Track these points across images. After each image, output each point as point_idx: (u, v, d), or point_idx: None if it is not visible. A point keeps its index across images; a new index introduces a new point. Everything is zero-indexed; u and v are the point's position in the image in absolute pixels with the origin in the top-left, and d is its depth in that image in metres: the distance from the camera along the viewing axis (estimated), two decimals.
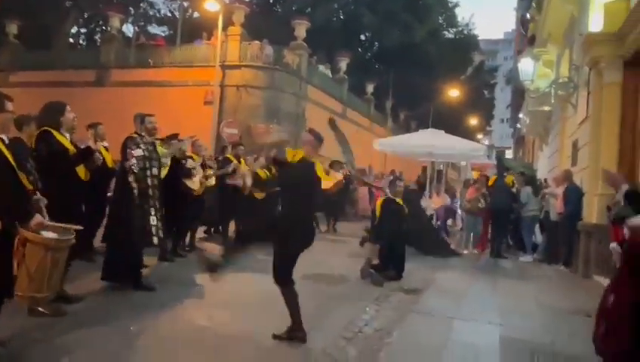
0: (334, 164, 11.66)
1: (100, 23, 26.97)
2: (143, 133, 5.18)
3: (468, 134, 33.67)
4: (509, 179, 10.11)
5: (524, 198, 9.67)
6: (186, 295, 5.15)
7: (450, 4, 30.96)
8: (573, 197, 8.36)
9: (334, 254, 8.33)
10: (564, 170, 9.62)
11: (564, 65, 12.08)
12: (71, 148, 4.33)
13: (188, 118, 14.45)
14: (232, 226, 8.56)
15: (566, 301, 6.10)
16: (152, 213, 5.04)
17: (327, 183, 10.64)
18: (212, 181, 7.60)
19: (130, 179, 4.88)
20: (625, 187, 3.19)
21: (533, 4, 15.69)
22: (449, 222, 12.90)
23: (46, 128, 4.26)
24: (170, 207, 6.79)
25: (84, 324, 3.96)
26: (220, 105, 15.41)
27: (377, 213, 7.09)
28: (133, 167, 4.87)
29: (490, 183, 10.14)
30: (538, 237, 10.03)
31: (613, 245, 5.02)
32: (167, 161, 5.46)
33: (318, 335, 4.14)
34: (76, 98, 16.41)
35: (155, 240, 5.11)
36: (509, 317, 5.15)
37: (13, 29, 19.94)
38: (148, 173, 5.02)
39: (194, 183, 6.77)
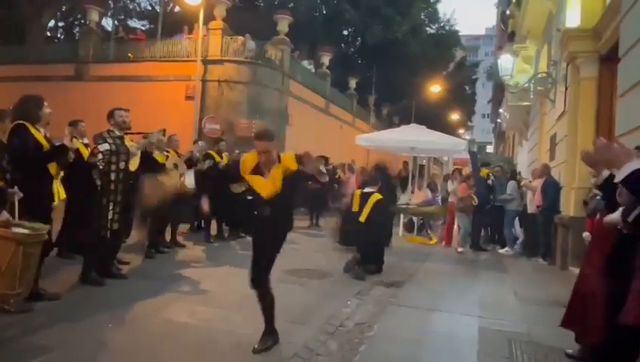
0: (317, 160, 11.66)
1: (79, 16, 26.44)
2: (112, 128, 5.14)
3: (450, 129, 33.98)
4: (484, 172, 10.42)
5: (511, 192, 9.73)
6: (167, 291, 5.12)
7: (431, 0, 31.10)
8: (551, 190, 8.52)
9: (317, 249, 8.36)
10: (543, 163, 9.79)
11: (542, 61, 12.26)
12: (45, 144, 4.26)
13: (169, 113, 14.29)
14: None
15: (543, 292, 6.23)
16: (111, 207, 5.02)
17: None
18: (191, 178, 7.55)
19: (95, 175, 4.89)
20: (606, 173, 3.21)
21: (513, 1, 15.86)
22: None
23: (21, 122, 4.18)
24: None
25: (61, 322, 3.92)
26: (201, 100, 15.25)
27: (366, 211, 6.81)
28: (98, 163, 4.87)
29: None
30: (518, 230, 10.21)
31: (586, 234, 5.13)
32: (137, 153, 5.39)
33: (299, 329, 4.16)
34: (55, 93, 16.07)
35: (108, 233, 5.08)
36: (487, 308, 5.24)
37: None
38: (114, 167, 5.01)
39: (171, 179, 6.72)
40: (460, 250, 9.45)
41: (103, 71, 17.00)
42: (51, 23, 27.34)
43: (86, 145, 5.86)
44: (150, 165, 6.41)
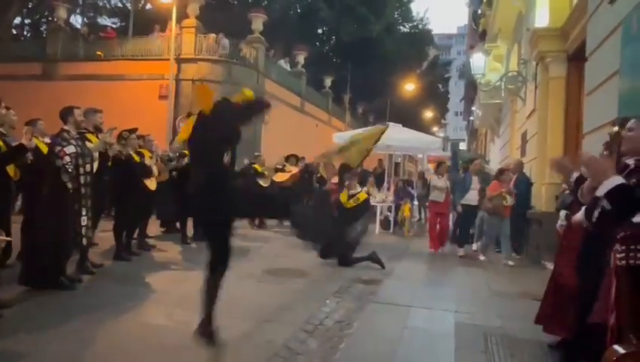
0: (290, 158, 11.67)
1: (46, 13, 25.72)
2: (67, 128, 4.90)
3: (424, 127, 34.43)
4: (466, 168, 10.56)
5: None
6: (143, 294, 5.05)
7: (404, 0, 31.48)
8: (523, 186, 8.72)
9: (295, 248, 8.35)
10: (516, 160, 10.01)
11: (513, 60, 12.54)
12: (1, 145, 4.13)
13: (142, 112, 14.06)
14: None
15: (516, 286, 6.38)
16: (84, 213, 4.85)
17: (282, 176, 10.73)
18: (165, 176, 7.47)
19: (65, 178, 4.64)
20: (576, 174, 3.32)
21: (484, 0, 16.16)
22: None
23: None
24: (120, 205, 6.65)
25: (31, 328, 3.81)
26: (175, 99, 15.06)
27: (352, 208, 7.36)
28: (67, 166, 4.64)
29: None
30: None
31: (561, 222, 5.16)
32: (96, 155, 5.26)
33: (279, 328, 4.17)
34: (23, 92, 15.65)
35: (85, 241, 4.97)
36: (463, 303, 5.34)
37: None
38: (81, 170, 4.81)
39: (152, 183, 6.64)
40: (481, 258, 8.32)
41: (73, 69, 16.61)
42: (17, 20, 26.55)
43: (47, 145, 5.72)
44: (125, 166, 6.34)
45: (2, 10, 21.78)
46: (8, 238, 3.74)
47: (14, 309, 4.18)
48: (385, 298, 5.48)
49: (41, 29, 27.20)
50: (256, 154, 11.61)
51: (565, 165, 3.10)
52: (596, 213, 2.30)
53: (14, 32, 26.18)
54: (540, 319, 3.97)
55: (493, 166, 14.79)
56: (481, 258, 8.34)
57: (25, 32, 28.30)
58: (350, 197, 7.60)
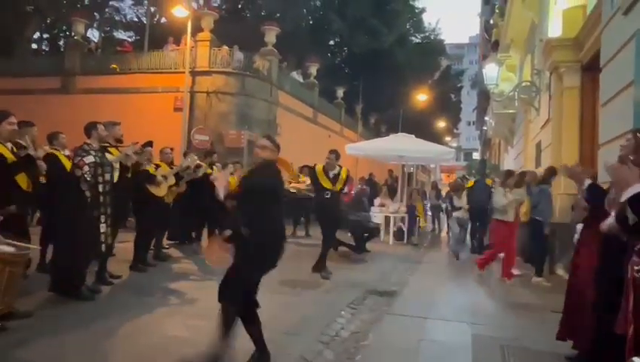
0: (304, 169, 11.73)
1: (64, 28, 26.32)
2: (90, 142, 5.11)
3: (436, 137, 34.34)
4: (489, 181, 10.73)
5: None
6: (159, 305, 5.11)
7: (416, 10, 31.57)
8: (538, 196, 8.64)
9: (309, 259, 8.37)
10: (531, 171, 9.95)
11: (526, 70, 12.52)
12: (10, 156, 4.24)
13: (158, 124, 14.26)
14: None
15: (533, 297, 6.33)
16: (103, 220, 5.02)
17: (296, 187, 10.79)
18: (183, 187, 7.56)
19: (84, 187, 4.83)
20: (588, 181, 3.31)
21: (496, 11, 16.18)
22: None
23: None
24: (139, 216, 6.77)
25: (46, 337, 3.89)
26: (190, 111, 15.25)
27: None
28: (86, 175, 4.83)
29: (470, 185, 11.05)
30: None
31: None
32: (117, 166, 5.41)
33: (295, 340, 4.19)
34: (41, 106, 16.00)
35: (103, 247, 5.08)
36: (479, 315, 5.32)
37: None
38: (100, 179, 5.00)
39: (159, 190, 6.73)
40: (560, 271, 7.52)
41: (90, 83, 16.92)
42: (36, 36, 27.20)
43: (67, 157, 5.85)
44: (140, 177, 6.45)
45: (21, 25, 22.38)
46: (36, 246, 3.85)
47: (33, 319, 4.25)
48: (400, 309, 5.47)
49: (60, 43, 27.82)
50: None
51: (577, 172, 3.10)
52: (631, 219, 2.29)
53: (34, 46, 26.83)
54: (560, 333, 3.94)
55: None
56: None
57: (44, 47, 28.97)
58: (333, 180, 7.22)
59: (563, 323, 3.92)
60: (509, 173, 8.06)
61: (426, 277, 7.72)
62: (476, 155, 55.88)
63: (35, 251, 5.07)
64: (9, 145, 4.32)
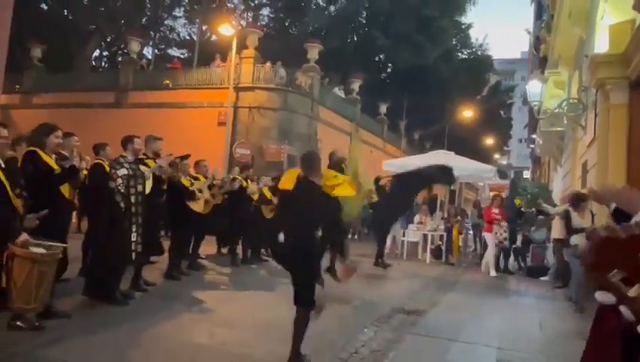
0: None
1: (122, 46, 27.89)
2: (125, 154, 5.37)
3: (484, 154, 33.49)
4: (517, 201, 10.75)
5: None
6: (188, 312, 5.25)
7: (463, 26, 31.18)
8: None
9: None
10: (575, 191, 9.54)
11: (574, 87, 12.05)
12: (56, 167, 4.50)
13: (202, 138, 14.76)
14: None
15: (565, 323, 6.03)
16: (134, 229, 5.23)
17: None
18: (219, 199, 7.76)
19: (117, 198, 5.06)
20: (614, 204, 3.18)
21: (543, 26, 15.76)
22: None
23: (32, 148, 4.45)
24: (174, 226, 7.01)
25: (76, 338, 4.06)
26: (232, 126, 15.70)
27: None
28: (119, 187, 5.06)
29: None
30: (550, 259, 9.98)
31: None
32: (150, 177, 5.63)
33: (315, 354, 4.17)
34: (95, 119, 16.97)
35: (134, 255, 5.28)
36: (507, 339, 5.11)
37: (37, 52, 20.71)
38: (132, 190, 5.21)
39: (198, 205, 6.93)
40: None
41: (141, 98, 17.79)
42: (96, 53, 28.95)
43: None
44: (178, 191, 6.69)
45: (82, 44, 23.87)
46: (64, 244, 4.08)
47: (64, 320, 4.47)
48: (426, 329, 5.35)
49: (118, 60, 29.48)
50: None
51: (604, 195, 2.97)
52: None
53: (94, 63, 28.53)
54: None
55: (555, 196, 14.13)
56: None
57: (102, 63, 30.75)
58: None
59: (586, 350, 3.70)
60: (582, 197, 7.52)
61: (459, 298, 7.51)
62: (527, 174, 54.00)
63: (72, 253, 5.36)
64: (54, 156, 4.61)
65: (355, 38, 28.03)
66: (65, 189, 4.68)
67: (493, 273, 9.93)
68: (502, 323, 6.07)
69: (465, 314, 6.42)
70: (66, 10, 24.99)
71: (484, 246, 10.86)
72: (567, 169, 13.72)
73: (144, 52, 26.15)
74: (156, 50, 29.26)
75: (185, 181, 6.80)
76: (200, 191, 7.11)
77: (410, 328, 5.35)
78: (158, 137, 6.41)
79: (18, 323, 4.00)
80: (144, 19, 27.49)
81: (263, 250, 9.15)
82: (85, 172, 5.66)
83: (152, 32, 27.56)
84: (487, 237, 10.35)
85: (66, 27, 23.43)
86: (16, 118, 19.00)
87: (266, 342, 4.13)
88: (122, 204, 5.07)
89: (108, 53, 30.64)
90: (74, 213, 7.72)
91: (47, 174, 4.41)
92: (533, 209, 10.76)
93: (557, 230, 8.97)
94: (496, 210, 10.33)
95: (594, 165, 8.57)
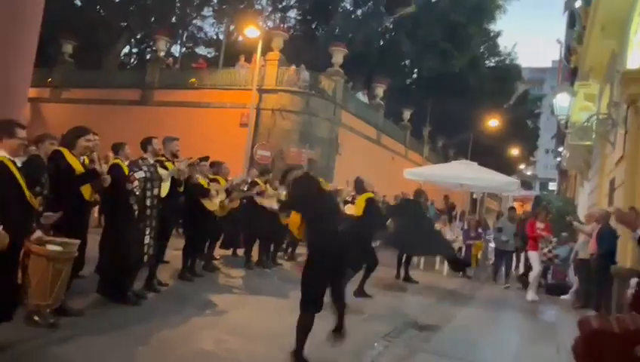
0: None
1: (151, 43, 28.32)
2: (146, 156, 5.43)
3: (510, 164, 32.89)
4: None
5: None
6: (197, 316, 5.23)
7: (492, 34, 30.69)
8: (607, 238, 8.00)
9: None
10: (602, 209, 9.23)
11: (604, 101, 11.71)
12: (79, 168, 4.53)
13: (224, 138, 14.88)
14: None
15: None
16: (147, 231, 5.25)
17: (351, 209, 10.77)
18: (235, 203, 7.76)
19: (132, 201, 5.07)
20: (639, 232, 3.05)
21: (574, 36, 15.37)
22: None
23: (59, 148, 4.52)
24: (189, 227, 7.03)
25: (86, 336, 4.08)
26: (255, 127, 15.76)
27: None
28: (135, 190, 5.08)
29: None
30: (572, 278, 9.67)
31: None
32: (168, 180, 5.64)
33: None
34: (122, 115, 17.27)
35: (145, 257, 5.29)
36: (522, 361, 4.96)
37: (68, 48, 21.20)
38: (148, 193, 5.24)
39: (212, 204, 6.93)
40: None
41: (165, 96, 18.02)
42: (126, 50, 29.47)
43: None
44: (193, 190, 6.70)
45: (112, 41, 24.32)
46: (78, 241, 4.12)
47: (77, 318, 4.50)
48: (438, 348, 5.23)
49: (147, 57, 29.95)
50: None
51: (629, 218, 2.84)
52: None
53: (123, 60, 29.03)
54: None
55: (582, 212, 13.73)
56: None
57: (131, 60, 31.27)
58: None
59: None
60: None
61: (474, 314, 7.34)
62: (552, 185, 52.79)
63: (91, 249, 5.42)
64: (82, 158, 4.66)
65: (381, 43, 27.84)
66: (85, 190, 4.73)
67: (532, 296, 8.88)
68: (518, 344, 5.90)
69: (480, 332, 6.26)
70: (98, 6, 25.47)
71: (528, 268, 9.80)
72: (593, 185, 13.34)
73: (172, 50, 26.58)
74: (184, 49, 29.64)
75: (202, 181, 6.80)
76: (217, 192, 7.12)
77: (422, 345, 5.23)
78: (175, 137, 6.42)
79: (35, 317, 4.06)
80: (174, 18, 27.85)
81: (279, 253, 9.13)
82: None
83: (180, 31, 27.89)
84: (532, 256, 9.16)
85: (97, 23, 23.88)
86: (45, 112, 19.51)
87: (274, 351, 4.09)
88: (135, 207, 5.09)
89: (137, 50, 31.16)
90: (95, 208, 7.85)
91: (67, 174, 4.46)
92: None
93: (582, 249, 8.68)
94: (541, 225, 9.30)
95: (621, 183, 8.29)
